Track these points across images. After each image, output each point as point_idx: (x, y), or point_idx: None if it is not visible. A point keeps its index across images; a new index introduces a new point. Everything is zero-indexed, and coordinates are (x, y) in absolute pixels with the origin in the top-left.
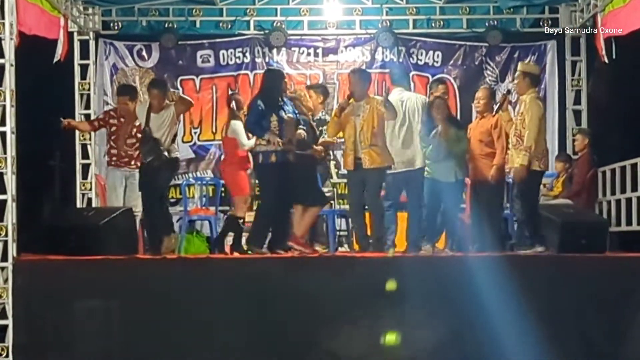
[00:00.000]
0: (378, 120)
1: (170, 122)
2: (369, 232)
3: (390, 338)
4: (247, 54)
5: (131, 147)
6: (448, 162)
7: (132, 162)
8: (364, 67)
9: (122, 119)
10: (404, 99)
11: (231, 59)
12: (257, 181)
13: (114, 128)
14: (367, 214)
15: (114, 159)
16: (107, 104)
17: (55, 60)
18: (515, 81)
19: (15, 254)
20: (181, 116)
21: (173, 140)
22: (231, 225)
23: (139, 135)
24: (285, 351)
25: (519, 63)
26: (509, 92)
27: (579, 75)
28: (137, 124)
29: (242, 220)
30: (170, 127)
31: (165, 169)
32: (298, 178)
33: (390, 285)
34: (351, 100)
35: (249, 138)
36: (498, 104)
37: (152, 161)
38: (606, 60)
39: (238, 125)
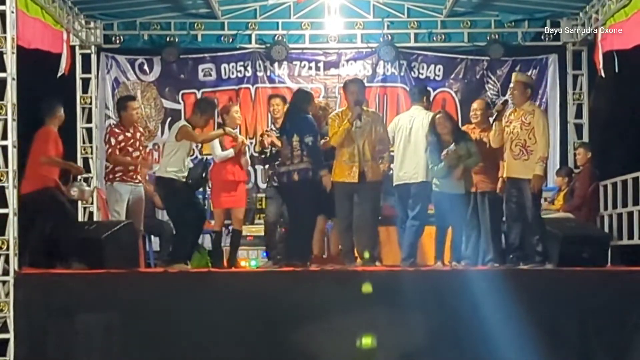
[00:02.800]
0: (376, 135)
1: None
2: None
3: (366, 341)
4: (249, 68)
5: (136, 159)
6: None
7: (135, 176)
8: (365, 80)
9: (127, 133)
10: (414, 115)
11: (233, 73)
12: (284, 200)
13: (122, 144)
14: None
15: (119, 174)
16: (109, 117)
17: (59, 74)
18: (513, 92)
19: (16, 268)
20: None
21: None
22: (237, 239)
23: (141, 148)
24: None
25: (515, 74)
26: (506, 101)
27: (581, 88)
28: (137, 135)
29: (215, 234)
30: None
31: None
32: (326, 192)
33: (366, 287)
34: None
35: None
36: (496, 113)
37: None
38: (602, 75)
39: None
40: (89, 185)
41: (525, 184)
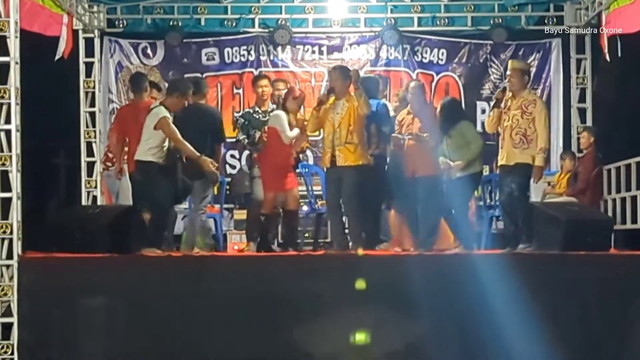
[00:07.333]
0: (356, 118)
1: None
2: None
3: (360, 337)
4: (252, 52)
5: None
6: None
7: None
8: (368, 65)
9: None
10: None
11: (236, 57)
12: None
13: None
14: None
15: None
16: (112, 101)
17: (57, 57)
18: (511, 79)
19: (20, 252)
20: None
21: None
22: (295, 219)
23: None
24: (289, 350)
25: (511, 61)
26: (505, 89)
27: (584, 73)
28: None
29: (263, 217)
30: None
31: None
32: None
33: (360, 284)
34: (332, 97)
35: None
36: (495, 100)
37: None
38: (608, 59)
39: (282, 115)
40: None
41: (522, 169)
